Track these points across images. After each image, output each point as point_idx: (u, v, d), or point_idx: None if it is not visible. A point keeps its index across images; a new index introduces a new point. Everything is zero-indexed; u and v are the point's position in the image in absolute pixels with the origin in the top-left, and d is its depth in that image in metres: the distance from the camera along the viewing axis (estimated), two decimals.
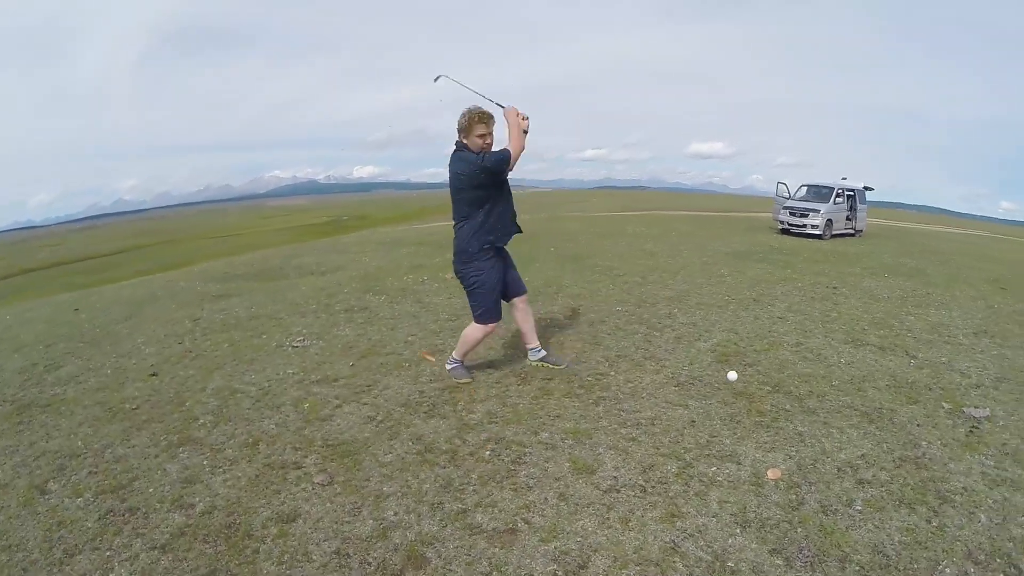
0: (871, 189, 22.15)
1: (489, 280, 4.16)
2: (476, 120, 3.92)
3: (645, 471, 3.07)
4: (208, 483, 3.23)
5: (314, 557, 2.55)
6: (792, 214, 19.03)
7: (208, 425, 3.97)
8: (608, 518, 2.71)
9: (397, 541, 2.61)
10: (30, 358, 5.97)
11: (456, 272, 4.27)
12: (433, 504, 2.88)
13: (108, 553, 2.70)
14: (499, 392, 4.18)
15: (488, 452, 3.33)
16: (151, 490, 3.21)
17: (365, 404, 4.11)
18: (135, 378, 5.05)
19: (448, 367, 4.51)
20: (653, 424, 3.57)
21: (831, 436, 3.41)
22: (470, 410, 3.90)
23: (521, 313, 4.48)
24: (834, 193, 19.46)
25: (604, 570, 2.38)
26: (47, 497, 3.24)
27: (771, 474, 3.00)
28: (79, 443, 3.88)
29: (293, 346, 5.58)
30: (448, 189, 4.08)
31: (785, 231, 18.97)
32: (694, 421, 3.59)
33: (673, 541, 2.54)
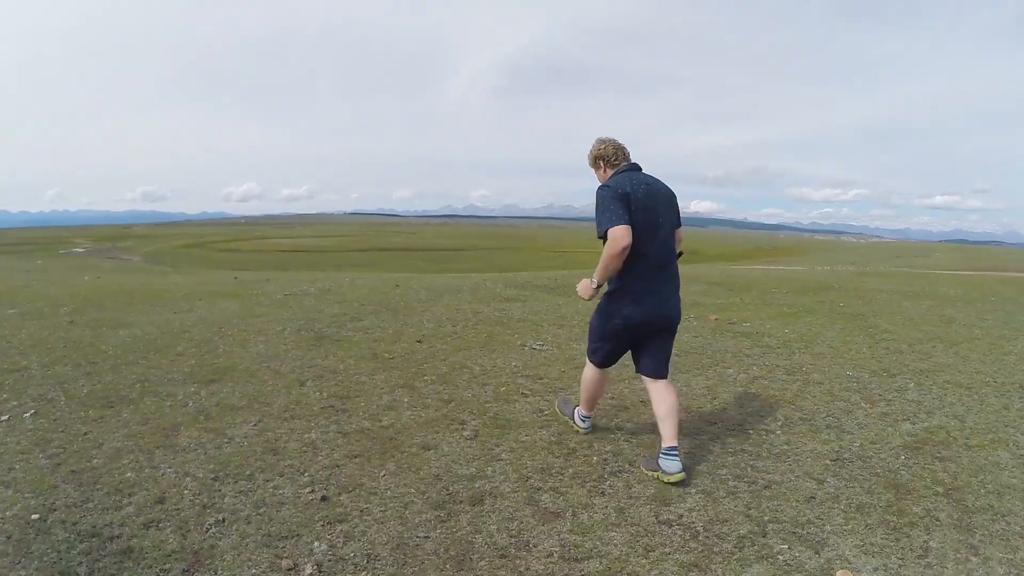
0: None
1: None
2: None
3: (713, 523, 3.20)
4: (399, 413, 4.58)
5: (421, 472, 3.62)
6: None
7: (429, 382, 5.36)
8: (636, 546, 2.99)
9: (459, 488, 3.47)
10: (345, 309, 8.38)
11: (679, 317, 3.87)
12: (521, 476, 3.60)
13: (313, 428, 4.23)
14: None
15: (597, 458, 3.86)
16: (362, 404, 4.72)
17: (547, 400, 4.92)
18: (405, 340, 6.84)
19: None
20: (768, 487, 3.57)
21: (965, 563, 2.92)
22: (629, 430, 4.37)
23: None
24: None
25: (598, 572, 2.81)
26: (301, 388, 5.07)
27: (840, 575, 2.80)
28: (340, 366, 5.69)
29: (532, 347, 6.75)
30: None
31: None
32: (813, 497, 3.48)
33: None
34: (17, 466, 3.64)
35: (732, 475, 3.75)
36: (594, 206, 3.49)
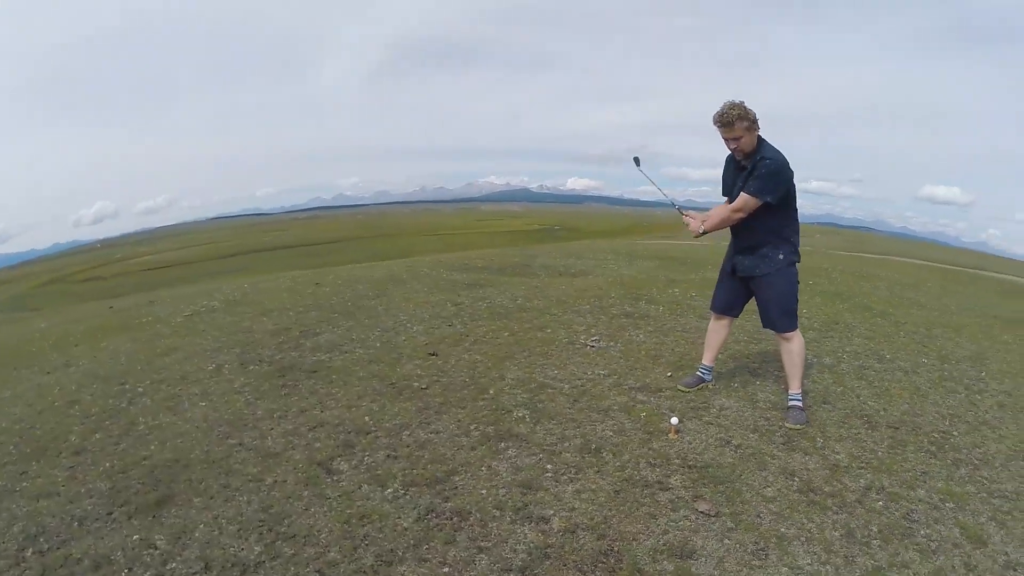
0: None
1: None
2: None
3: None
4: (556, 493, 2.77)
5: None
6: None
7: (528, 421, 3.60)
8: None
9: None
10: (281, 323, 6.00)
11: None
12: (846, 556, 2.52)
13: (446, 569, 2.17)
14: (852, 433, 3.68)
15: (880, 503, 2.93)
16: (482, 491, 2.74)
17: (710, 424, 3.63)
18: (411, 356, 4.83)
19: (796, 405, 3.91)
20: (1019, 497, 3.04)
21: None
22: (830, 448, 3.46)
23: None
24: None
25: None
26: (335, 479, 2.94)
27: None
28: (365, 418, 3.60)
29: (590, 346, 5.10)
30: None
31: None
32: None
33: None
34: None
35: (984, 491, 3.08)
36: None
